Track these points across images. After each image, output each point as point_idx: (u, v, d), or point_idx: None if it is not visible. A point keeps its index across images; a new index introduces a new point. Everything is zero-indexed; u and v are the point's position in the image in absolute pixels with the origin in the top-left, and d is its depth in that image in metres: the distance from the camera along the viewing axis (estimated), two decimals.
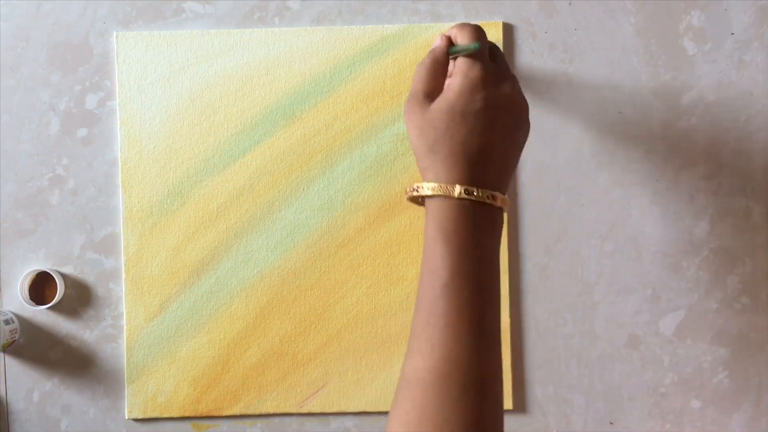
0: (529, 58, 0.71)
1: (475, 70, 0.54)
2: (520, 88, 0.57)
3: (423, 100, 0.55)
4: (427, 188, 0.53)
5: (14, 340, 0.70)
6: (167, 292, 0.70)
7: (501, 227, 0.55)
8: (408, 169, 0.70)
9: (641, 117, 0.71)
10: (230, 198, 0.70)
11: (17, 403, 0.71)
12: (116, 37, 0.70)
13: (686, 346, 0.71)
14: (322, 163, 0.70)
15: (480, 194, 0.52)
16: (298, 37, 0.70)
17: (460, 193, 0.52)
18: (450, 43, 0.58)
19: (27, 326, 0.71)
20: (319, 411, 0.71)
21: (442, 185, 0.53)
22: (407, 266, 0.70)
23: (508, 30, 0.71)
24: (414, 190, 0.54)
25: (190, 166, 0.70)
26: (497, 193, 0.53)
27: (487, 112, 0.54)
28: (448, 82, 0.56)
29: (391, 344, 0.70)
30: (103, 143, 0.71)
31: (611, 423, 0.71)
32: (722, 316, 0.71)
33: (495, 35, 0.70)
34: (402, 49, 0.70)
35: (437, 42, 0.58)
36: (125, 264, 0.70)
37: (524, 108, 0.56)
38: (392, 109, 0.70)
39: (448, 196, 0.53)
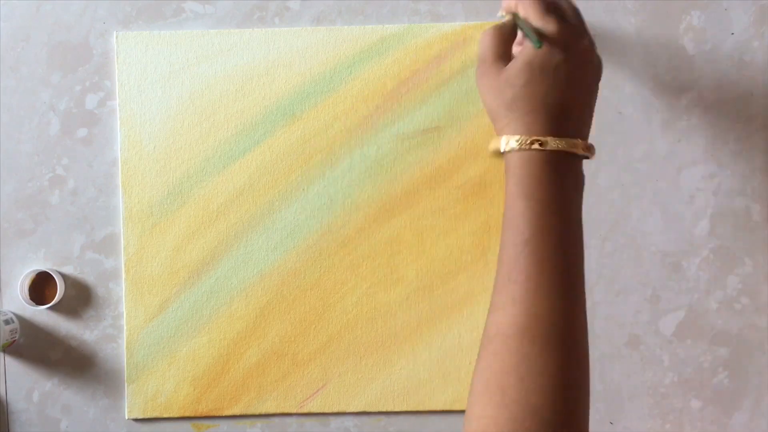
0: None
1: (551, 27, 0.54)
2: (595, 45, 0.56)
3: (495, 62, 0.55)
4: (508, 141, 0.53)
5: (14, 340, 0.70)
6: (167, 292, 0.70)
7: (583, 180, 0.54)
8: (408, 170, 0.70)
9: (641, 117, 0.71)
10: (230, 198, 0.70)
11: (17, 403, 0.71)
12: (116, 37, 0.70)
13: (686, 346, 0.71)
14: (322, 163, 0.70)
15: (561, 144, 0.52)
16: (298, 37, 0.70)
17: (543, 143, 0.52)
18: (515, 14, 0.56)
19: (27, 326, 0.71)
20: (319, 411, 0.71)
21: (524, 137, 0.52)
22: (407, 266, 0.70)
23: None
24: (495, 142, 0.54)
25: (190, 166, 0.70)
26: (578, 141, 0.53)
27: (567, 67, 0.53)
28: (520, 48, 0.55)
29: (391, 344, 0.70)
30: (103, 143, 0.71)
31: (611, 423, 0.71)
32: (722, 316, 0.71)
33: None
34: (402, 49, 0.70)
35: (504, 6, 0.57)
36: (125, 264, 0.70)
37: (600, 65, 0.56)
38: (392, 109, 0.70)
39: (528, 149, 0.52)
